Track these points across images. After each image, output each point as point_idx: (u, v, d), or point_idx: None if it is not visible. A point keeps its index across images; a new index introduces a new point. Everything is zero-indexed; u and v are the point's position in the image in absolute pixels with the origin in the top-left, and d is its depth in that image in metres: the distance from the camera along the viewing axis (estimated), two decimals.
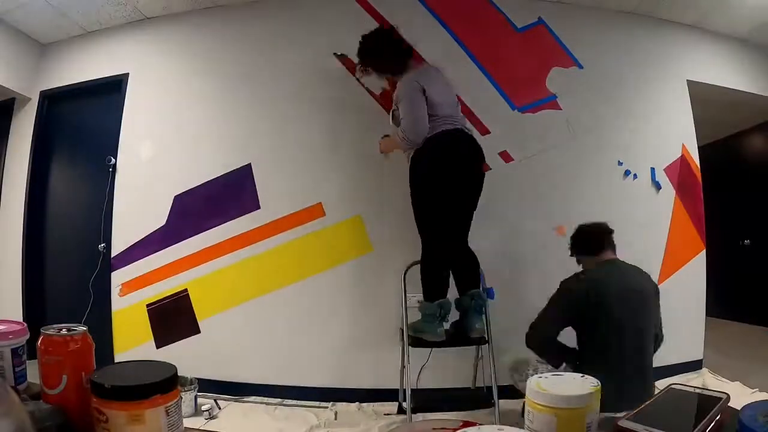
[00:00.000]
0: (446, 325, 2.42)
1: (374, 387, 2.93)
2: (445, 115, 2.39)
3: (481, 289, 2.45)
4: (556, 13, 3.31)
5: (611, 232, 2.44)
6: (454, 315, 2.48)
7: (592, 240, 2.43)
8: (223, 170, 3.26)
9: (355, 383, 2.95)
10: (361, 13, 3.22)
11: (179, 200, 3.29)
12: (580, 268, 2.47)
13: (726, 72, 3.76)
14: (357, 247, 3.05)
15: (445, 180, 2.35)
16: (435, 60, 3.17)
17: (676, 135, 3.49)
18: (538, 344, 2.28)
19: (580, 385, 0.58)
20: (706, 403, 0.65)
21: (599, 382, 0.59)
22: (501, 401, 2.38)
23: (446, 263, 2.44)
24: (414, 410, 2.31)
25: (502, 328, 2.90)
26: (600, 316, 2.11)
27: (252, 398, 2.94)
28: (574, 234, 2.52)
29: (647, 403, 0.67)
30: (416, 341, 2.40)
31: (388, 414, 2.76)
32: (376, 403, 2.89)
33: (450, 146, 2.36)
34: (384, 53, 2.52)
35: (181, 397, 0.81)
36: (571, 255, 2.51)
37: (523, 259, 3.13)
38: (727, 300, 4.80)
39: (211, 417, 2.73)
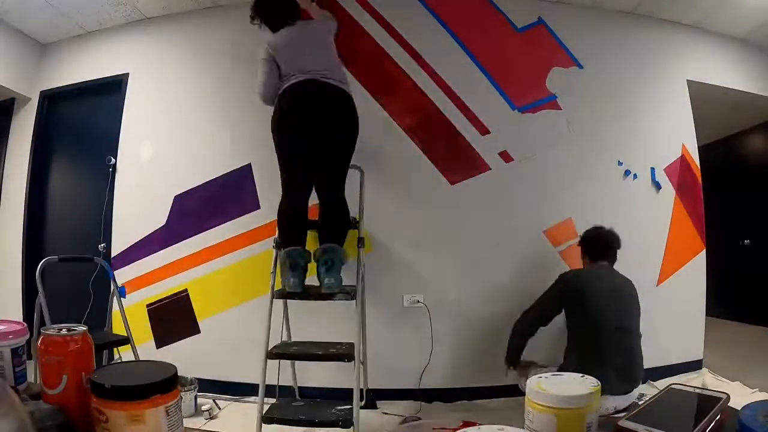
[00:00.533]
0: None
1: (378, 387, 2.94)
2: (294, 71, 2.40)
3: (340, 245, 2.38)
4: (556, 13, 3.31)
5: (619, 245, 2.63)
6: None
7: (600, 246, 2.61)
8: (223, 170, 3.26)
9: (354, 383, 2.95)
10: (362, 13, 3.22)
11: (179, 200, 3.30)
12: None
13: (726, 72, 3.76)
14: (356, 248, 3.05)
15: (280, 134, 2.40)
16: (434, 60, 3.19)
17: (676, 135, 3.49)
18: (518, 329, 2.48)
19: (580, 385, 0.58)
20: (706, 403, 0.65)
21: (599, 382, 0.59)
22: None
23: (292, 213, 2.41)
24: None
25: (498, 330, 2.91)
26: (590, 308, 2.28)
27: (252, 398, 2.94)
28: (589, 234, 2.71)
29: (647, 402, 0.67)
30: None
31: (386, 413, 2.77)
32: (382, 401, 2.89)
33: (286, 101, 2.38)
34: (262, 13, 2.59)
35: (181, 397, 0.81)
36: (579, 245, 2.74)
37: (522, 259, 3.13)
38: (727, 300, 4.80)
39: (211, 417, 2.74)
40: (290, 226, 2.40)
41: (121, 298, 2.96)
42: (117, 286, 2.95)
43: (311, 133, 2.33)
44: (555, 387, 0.56)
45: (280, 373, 2.68)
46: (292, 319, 2.81)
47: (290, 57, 2.43)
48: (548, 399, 0.55)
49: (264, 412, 2.24)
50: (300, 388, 2.96)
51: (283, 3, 2.56)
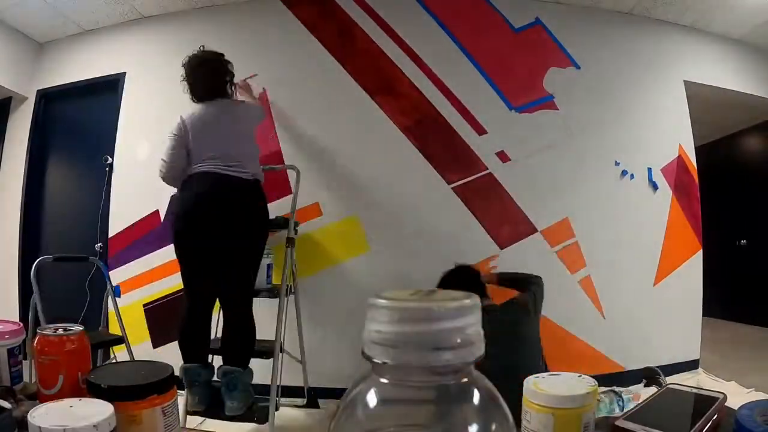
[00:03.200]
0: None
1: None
2: (200, 157, 2.16)
3: (243, 368, 2.16)
4: (553, 14, 3.31)
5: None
6: None
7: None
8: None
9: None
10: (360, 13, 3.22)
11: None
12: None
13: (723, 73, 3.77)
14: (354, 247, 3.05)
15: (179, 236, 2.15)
16: (432, 60, 3.19)
17: (673, 135, 3.50)
18: None
19: (577, 384, 0.58)
20: (703, 402, 0.65)
21: (596, 382, 0.59)
22: None
23: (189, 326, 2.18)
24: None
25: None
26: None
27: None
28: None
29: (645, 402, 0.67)
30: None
31: None
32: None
33: (186, 196, 2.16)
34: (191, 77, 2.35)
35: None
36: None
37: (519, 259, 3.13)
38: (723, 300, 4.82)
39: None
40: (187, 340, 2.17)
41: (116, 298, 2.95)
42: (112, 286, 2.94)
43: (209, 237, 2.08)
44: (552, 387, 0.56)
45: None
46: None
47: (201, 138, 2.20)
48: (545, 399, 0.55)
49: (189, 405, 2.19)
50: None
51: (214, 74, 2.34)
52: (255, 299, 2.27)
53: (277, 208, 2.94)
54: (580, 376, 0.61)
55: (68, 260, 2.80)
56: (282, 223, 2.61)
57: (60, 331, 0.71)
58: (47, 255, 2.67)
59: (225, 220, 2.07)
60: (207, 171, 2.12)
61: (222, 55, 2.40)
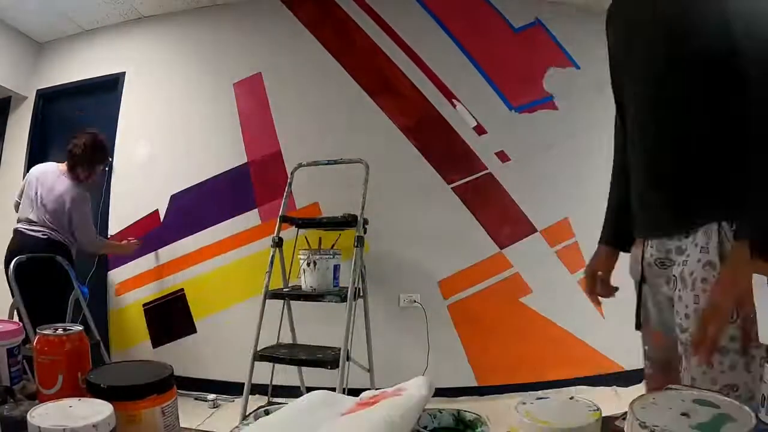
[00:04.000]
0: None
1: (375, 387, 2.93)
2: (24, 217, 2.75)
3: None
4: (553, 14, 3.30)
5: None
6: None
7: None
8: (219, 169, 3.25)
9: (351, 383, 2.94)
10: (360, 14, 3.22)
11: (176, 199, 3.29)
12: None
13: None
14: (353, 248, 3.05)
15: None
16: (432, 60, 3.19)
17: None
18: None
19: (575, 411, 0.48)
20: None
21: (598, 407, 0.50)
22: None
23: None
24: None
25: (496, 330, 2.91)
26: None
27: (250, 398, 2.93)
28: None
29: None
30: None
31: None
32: None
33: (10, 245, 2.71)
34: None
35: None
36: None
37: (519, 259, 3.13)
38: None
39: (216, 406, 2.77)
40: None
41: (85, 299, 2.84)
42: (79, 286, 2.80)
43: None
44: (547, 414, 0.47)
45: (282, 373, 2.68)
46: (302, 319, 2.79)
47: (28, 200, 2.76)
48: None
49: (247, 413, 2.22)
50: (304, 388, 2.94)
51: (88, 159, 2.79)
52: (321, 303, 2.42)
53: (273, 209, 2.94)
54: (571, 398, 0.51)
55: (35, 259, 2.69)
56: (351, 220, 2.49)
57: (60, 331, 0.71)
58: None
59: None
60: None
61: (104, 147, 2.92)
